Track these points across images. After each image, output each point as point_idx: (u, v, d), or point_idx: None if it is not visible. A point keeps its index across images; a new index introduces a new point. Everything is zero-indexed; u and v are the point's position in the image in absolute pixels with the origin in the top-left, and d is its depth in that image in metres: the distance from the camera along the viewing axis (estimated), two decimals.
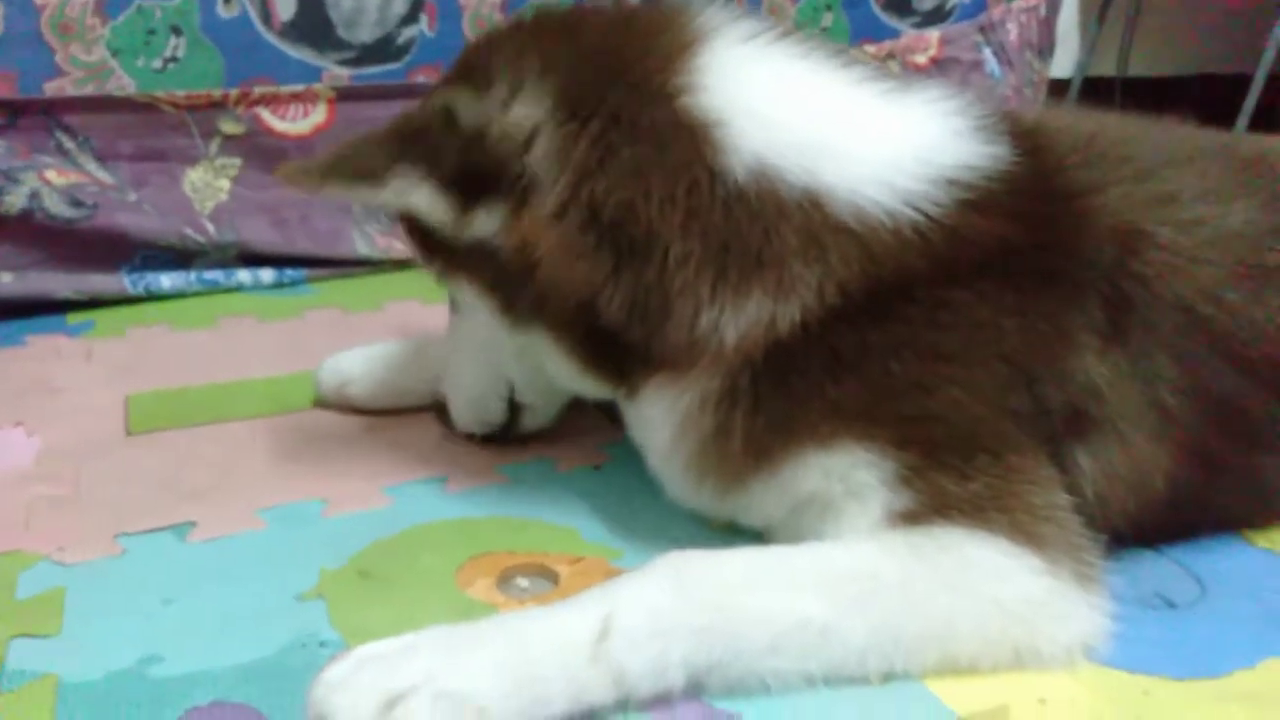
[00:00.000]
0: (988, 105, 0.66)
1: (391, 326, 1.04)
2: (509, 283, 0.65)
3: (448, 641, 0.51)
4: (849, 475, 0.58)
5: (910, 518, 0.57)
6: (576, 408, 0.86)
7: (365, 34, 1.19)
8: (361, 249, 1.20)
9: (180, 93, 1.11)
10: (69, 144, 1.08)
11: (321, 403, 0.86)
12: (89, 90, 1.08)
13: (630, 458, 0.78)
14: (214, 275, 1.14)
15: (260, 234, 1.16)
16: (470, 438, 0.79)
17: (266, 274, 1.16)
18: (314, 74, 1.17)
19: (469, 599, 0.62)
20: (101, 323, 1.06)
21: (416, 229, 0.69)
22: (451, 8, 1.22)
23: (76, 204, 1.08)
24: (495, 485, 0.75)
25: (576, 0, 0.75)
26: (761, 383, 0.60)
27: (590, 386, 0.68)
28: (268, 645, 0.57)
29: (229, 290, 1.14)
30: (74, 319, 1.07)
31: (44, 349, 1.00)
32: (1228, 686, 0.56)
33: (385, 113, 1.17)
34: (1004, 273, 0.60)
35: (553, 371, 0.69)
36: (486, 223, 0.64)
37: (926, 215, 0.59)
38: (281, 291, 1.15)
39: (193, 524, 0.69)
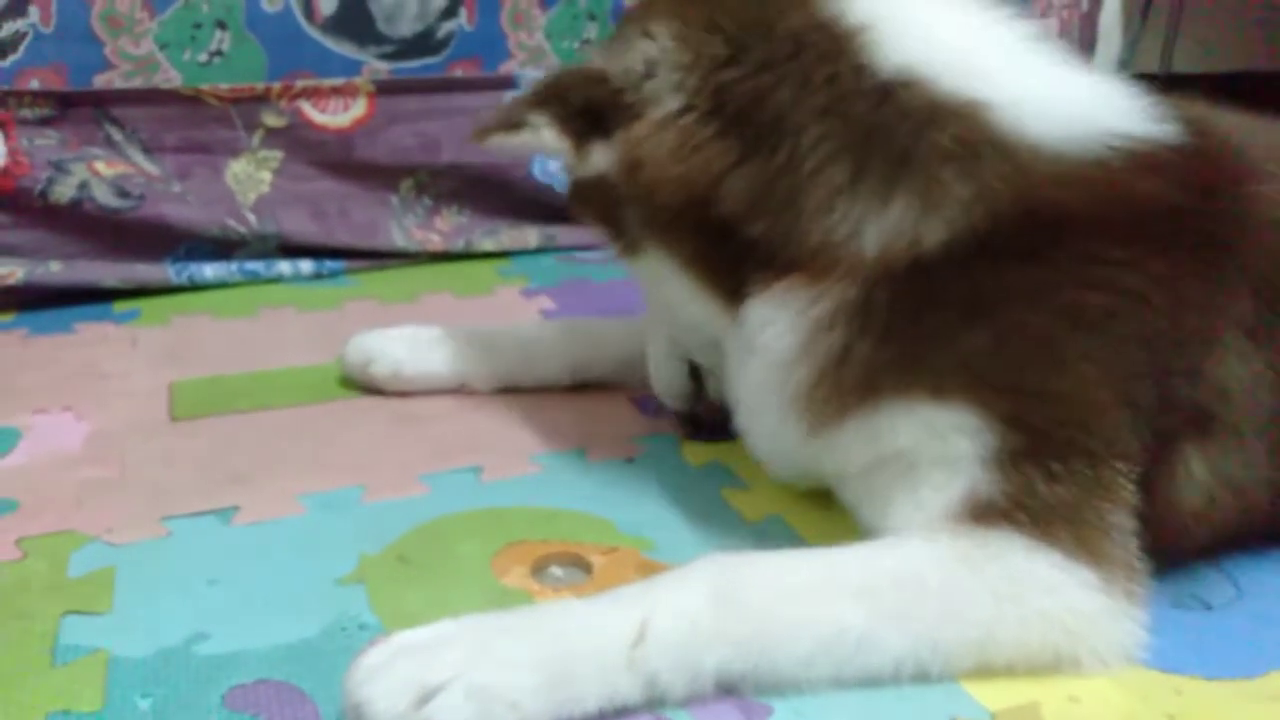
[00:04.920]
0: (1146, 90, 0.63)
1: (425, 318, 1.04)
2: (618, 205, 0.67)
3: (484, 633, 0.52)
4: (949, 438, 0.57)
5: (979, 515, 0.56)
6: (607, 400, 0.87)
7: (405, 28, 1.20)
8: (398, 241, 1.21)
9: (224, 86, 1.13)
10: (117, 136, 1.10)
11: (346, 379, 0.89)
12: (137, 83, 1.10)
13: (663, 451, 0.79)
14: (255, 266, 1.16)
15: (300, 225, 1.17)
16: (681, 428, 0.80)
17: (306, 265, 1.18)
18: (354, 68, 1.19)
19: (504, 587, 0.63)
20: (147, 311, 1.08)
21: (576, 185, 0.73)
22: (490, 2, 1.23)
23: (123, 195, 1.10)
24: (529, 475, 0.76)
25: None
26: (897, 306, 0.57)
27: (704, 311, 0.67)
28: (309, 627, 0.59)
29: (270, 281, 1.16)
30: (120, 307, 1.09)
31: (92, 336, 1.02)
32: (1261, 687, 0.55)
33: (424, 106, 1.21)
34: (1162, 241, 0.57)
35: (672, 298, 0.69)
36: (602, 156, 0.67)
37: (1091, 160, 0.57)
38: (320, 282, 1.17)
39: (236, 508, 0.71)
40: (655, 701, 0.51)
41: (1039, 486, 0.55)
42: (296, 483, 0.74)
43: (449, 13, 1.21)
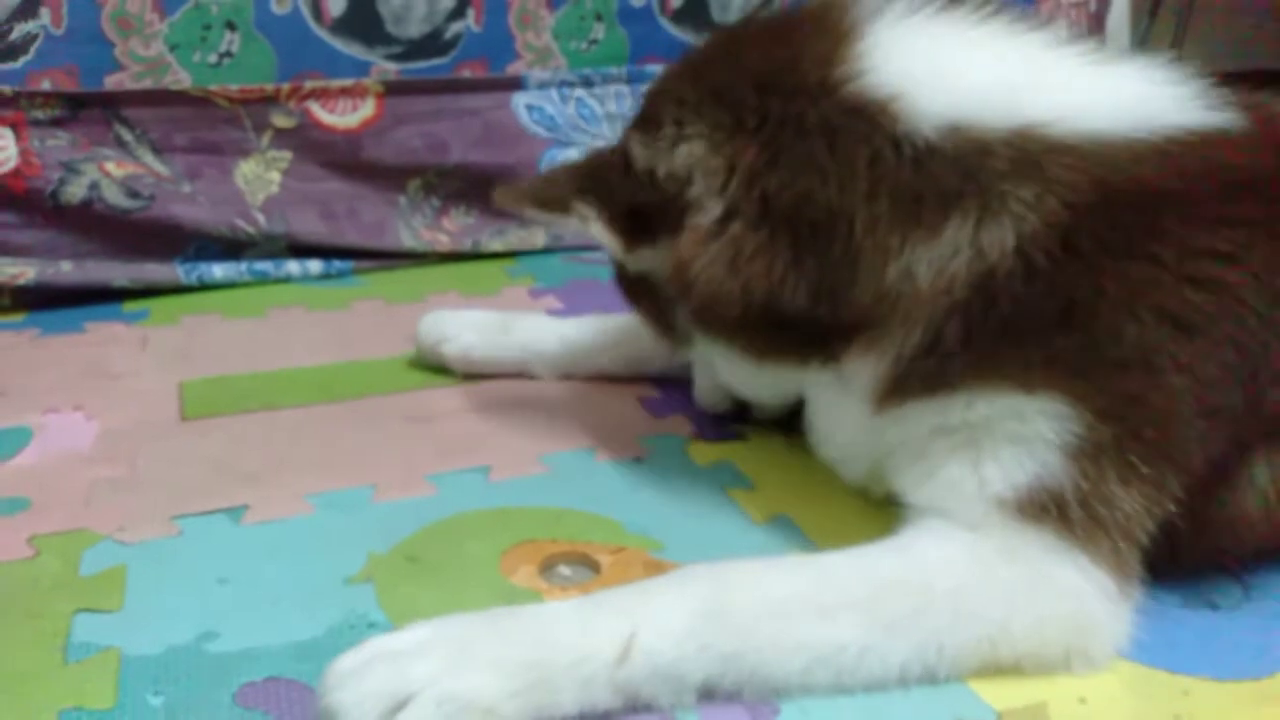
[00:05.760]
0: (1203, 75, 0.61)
1: None
2: (669, 302, 0.69)
3: (461, 639, 0.51)
4: (1031, 420, 0.55)
5: (1031, 508, 0.54)
6: (615, 400, 0.87)
7: (413, 29, 1.21)
8: (407, 241, 1.22)
9: (234, 87, 1.13)
10: (127, 136, 1.11)
11: (419, 358, 0.93)
12: (147, 84, 1.11)
13: (671, 451, 0.79)
14: (264, 266, 1.17)
15: (309, 226, 1.18)
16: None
17: (314, 265, 1.18)
18: (363, 68, 1.19)
19: (512, 586, 0.63)
20: (156, 311, 1.09)
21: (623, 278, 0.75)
22: (498, 3, 1.23)
23: (134, 195, 1.11)
24: (537, 475, 0.76)
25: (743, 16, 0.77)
26: (970, 326, 0.56)
27: (767, 382, 0.69)
28: (319, 625, 0.59)
29: (279, 281, 1.17)
30: (130, 307, 1.10)
31: (102, 335, 1.03)
32: (1268, 688, 0.55)
33: (432, 106, 1.22)
34: (1258, 221, 0.54)
35: (729, 379, 0.72)
36: (652, 258, 0.68)
37: (1163, 138, 0.55)
38: (329, 282, 1.17)
39: (246, 507, 0.71)
40: (638, 709, 0.51)
41: (1108, 487, 0.54)
42: (306, 482, 0.74)
43: (457, 14, 1.22)
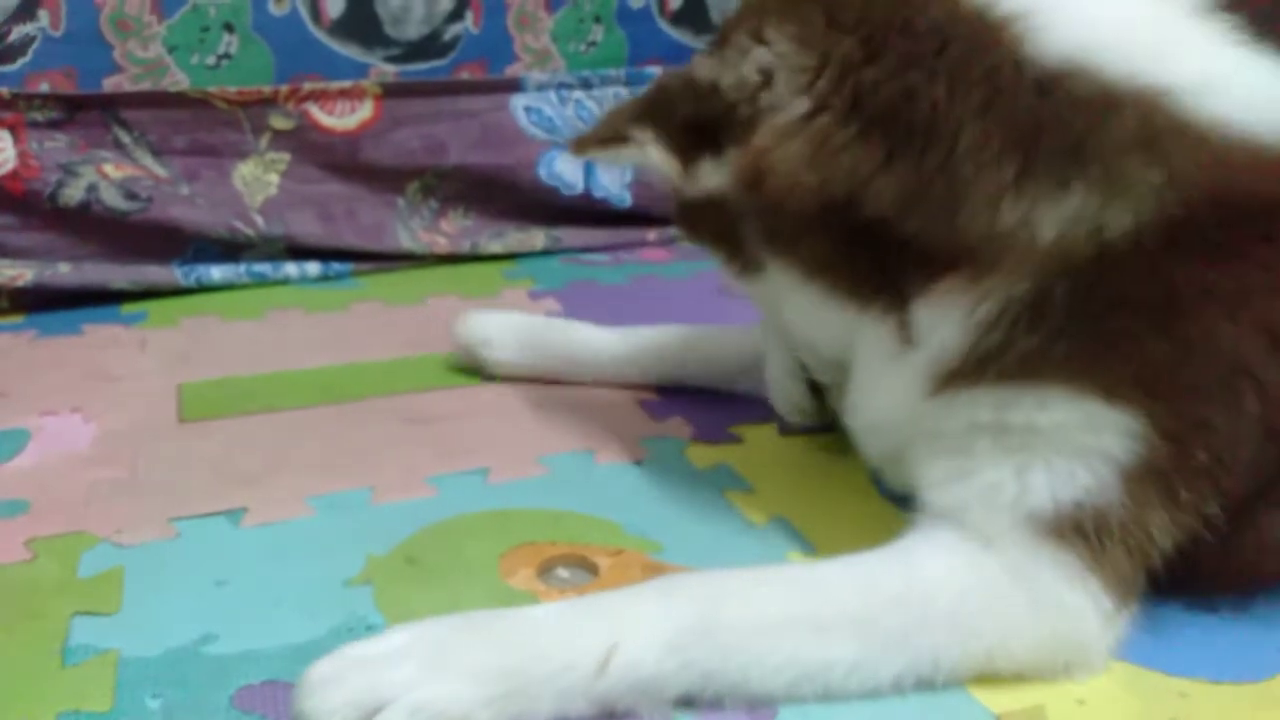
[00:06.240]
0: None
1: (431, 320, 1.06)
2: (734, 223, 0.64)
3: (440, 643, 0.50)
4: (1104, 434, 0.52)
5: (1064, 528, 0.53)
6: (614, 402, 0.87)
7: (412, 31, 1.21)
8: (405, 243, 1.22)
9: (232, 89, 1.13)
10: (126, 138, 1.11)
11: (457, 358, 0.93)
12: (145, 86, 1.11)
13: (670, 454, 0.79)
14: (263, 268, 1.17)
15: (307, 227, 1.18)
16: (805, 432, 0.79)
17: (313, 267, 1.18)
18: (361, 70, 1.20)
19: (511, 588, 0.63)
20: (155, 313, 1.08)
21: (683, 206, 0.70)
22: (496, 5, 1.23)
23: (132, 197, 1.11)
24: (536, 477, 0.76)
25: None
26: (1075, 299, 0.52)
27: (834, 321, 0.62)
28: (318, 627, 0.59)
29: (277, 283, 1.17)
30: (128, 309, 1.10)
31: (100, 338, 1.03)
32: (1266, 691, 0.55)
33: (431, 108, 1.22)
34: None
35: (796, 315, 0.66)
36: (713, 174, 0.64)
37: None
38: (327, 284, 1.17)
39: (244, 509, 0.71)
40: (615, 717, 0.50)
41: (1145, 511, 0.52)
42: (305, 484, 0.74)
43: (455, 15, 1.22)
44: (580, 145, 0.71)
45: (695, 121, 0.64)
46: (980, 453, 0.56)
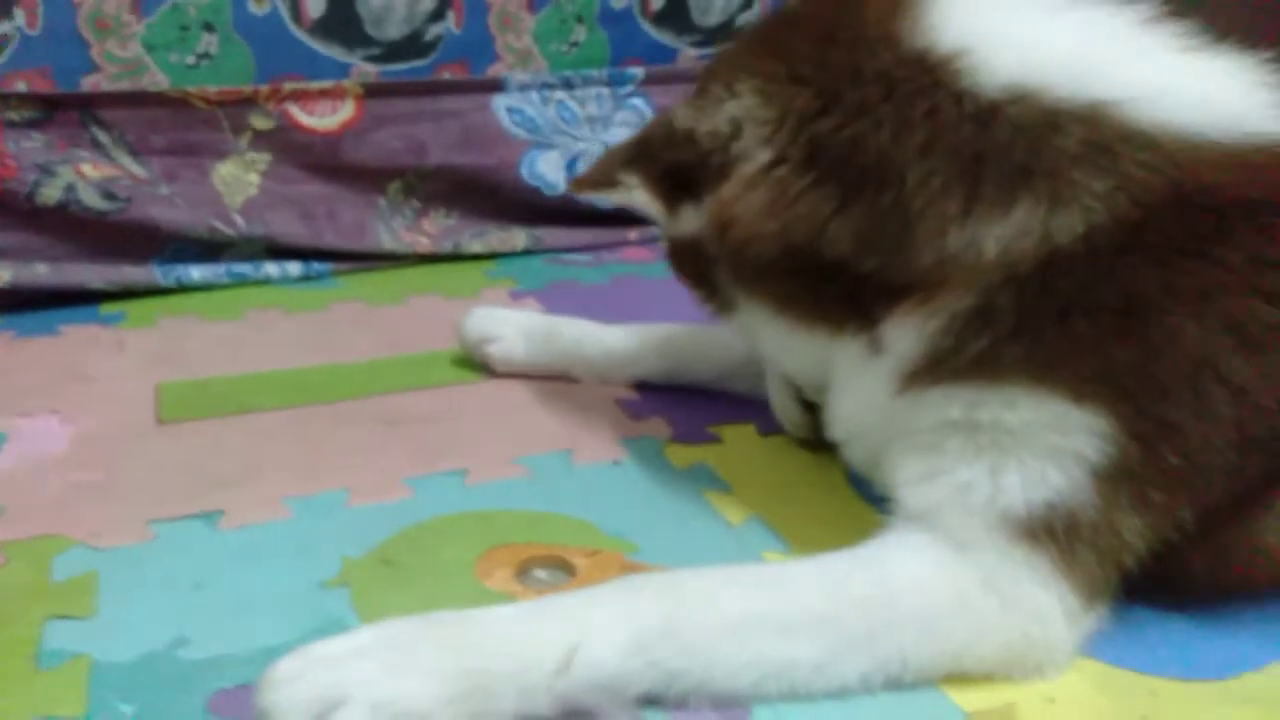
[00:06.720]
0: None
1: (413, 320, 1.06)
2: (711, 266, 0.67)
3: (403, 642, 0.50)
4: (1074, 435, 0.53)
5: (1035, 531, 0.53)
6: (593, 402, 0.87)
7: (393, 31, 1.20)
8: (386, 243, 1.21)
9: (212, 88, 1.13)
10: (104, 138, 1.10)
11: (463, 354, 0.93)
12: (124, 86, 1.10)
13: (648, 454, 0.80)
14: (243, 268, 1.16)
15: (288, 227, 1.17)
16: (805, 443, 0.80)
17: (293, 267, 1.18)
18: (343, 70, 1.19)
19: (488, 590, 0.63)
20: (133, 313, 1.08)
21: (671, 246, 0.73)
22: (478, 5, 1.23)
23: (110, 197, 1.10)
24: (514, 478, 0.76)
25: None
26: (1027, 305, 0.54)
27: (806, 349, 0.65)
28: (294, 630, 0.59)
29: (257, 283, 1.16)
30: (106, 309, 1.09)
31: (78, 338, 1.02)
32: (1234, 688, 0.56)
33: (412, 108, 1.21)
34: None
35: (771, 348, 0.70)
36: (693, 218, 0.67)
37: (1249, 143, 0.53)
38: (308, 284, 1.17)
39: (221, 512, 0.71)
40: (577, 716, 0.51)
41: (1115, 514, 0.53)
42: (282, 486, 0.74)
43: (437, 15, 1.22)
44: (578, 186, 0.76)
45: (675, 168, 0.67)
46: (952, 451, 0.57)
